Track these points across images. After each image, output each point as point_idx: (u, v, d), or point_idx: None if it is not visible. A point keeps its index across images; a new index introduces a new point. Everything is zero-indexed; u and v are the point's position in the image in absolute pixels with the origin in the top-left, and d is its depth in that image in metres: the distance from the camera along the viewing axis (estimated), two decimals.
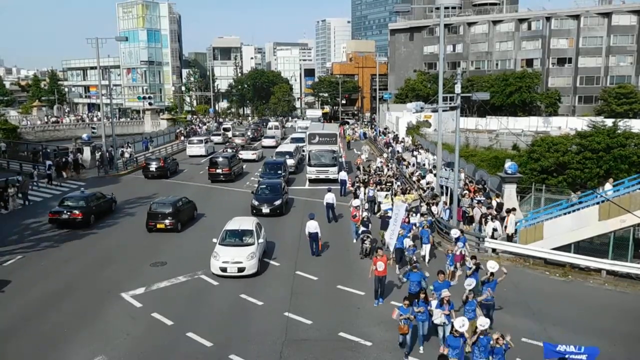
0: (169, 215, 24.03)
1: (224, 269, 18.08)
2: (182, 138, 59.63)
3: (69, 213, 24.77)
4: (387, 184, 28.69)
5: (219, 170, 36.70)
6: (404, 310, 13.07)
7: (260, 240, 19.52)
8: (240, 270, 18.01)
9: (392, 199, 24.73)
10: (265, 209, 26.67)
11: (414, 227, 20.83)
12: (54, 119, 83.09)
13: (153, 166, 38.32)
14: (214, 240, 19.28)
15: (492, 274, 14.53)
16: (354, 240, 22.23)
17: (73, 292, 17.32)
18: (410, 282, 15.18)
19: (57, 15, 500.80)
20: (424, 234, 20.24)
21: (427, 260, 19.91)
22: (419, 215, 22.60)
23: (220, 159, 37.75)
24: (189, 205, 26.32)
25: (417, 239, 20.69)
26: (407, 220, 20.89)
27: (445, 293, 13.37)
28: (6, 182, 30.01)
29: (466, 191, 26.09)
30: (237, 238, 19.42)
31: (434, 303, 13.55)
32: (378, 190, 27.37)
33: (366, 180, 29.52)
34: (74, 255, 21.12)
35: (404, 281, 15.59)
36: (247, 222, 20.46)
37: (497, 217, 22.21)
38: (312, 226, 20.76)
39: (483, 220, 22.39)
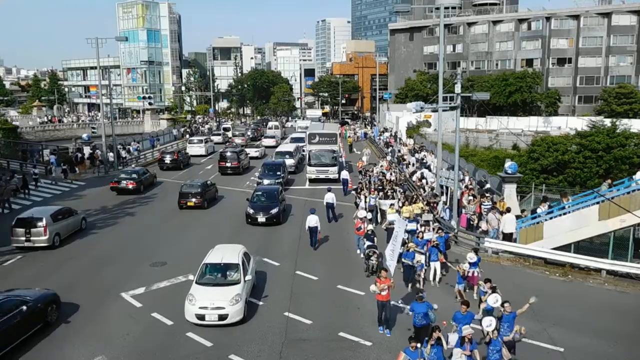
0: (197, 195, 28.65)
1: (200, 317, 14.52)
2: (188, 136, 60.82)
3: (125, 182, 32.80)
4: (391, 191, 26.53)
5: (228, 164, 39.58)
6: (411, 354, 10.95)
7: (248, 277, 16.04)
8: (222, 317, 14.51)
9: (398, 209, 23.01)
10: (261, 218, 24.94)
11: (428, 244, 18.47)
12: (41, 120, 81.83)
13: (168, 158, 42.19)
14: (190, 276, 16.13)
15: (503, 303, 12.66)
16: (361, 255, 20.18)
17: (73, 292, 17.29)
18: (415, 314, 13.11)
19: (57, 15, 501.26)
20: (432, 251, 18.09)
21: (436, 280, 17.97)
22: (432, 229, 20.23)
23: (229, 153, 40.55)
24: (212, 187, 31.06)
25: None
26: (421, 235, 18.89)
27: (467, 330, 11.42)
28: None
29: (471, 197, 24.66)
30: (219, 274, 15.99)
31: (453, 339, 11.69)
32: (380, 198, 25.40)
33: (368, 187, 27.40)
34: (74, 255, 21.14)
35: (409, 314, 13.44)
36: (232, 253, 16.81)
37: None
38: (313, 220, 21.79)
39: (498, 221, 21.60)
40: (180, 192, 29.24)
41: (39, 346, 13.79)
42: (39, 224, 21.46)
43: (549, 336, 14.26)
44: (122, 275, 18.79)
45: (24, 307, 13.83)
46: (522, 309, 12.71)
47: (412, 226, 20.19)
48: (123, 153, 45.69)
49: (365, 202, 24.87)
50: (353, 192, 28.69)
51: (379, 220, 24.68)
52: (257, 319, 15.35)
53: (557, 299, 17.06)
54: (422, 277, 17.52)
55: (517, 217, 22.04)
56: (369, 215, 23.40)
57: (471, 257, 16.72)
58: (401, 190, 27.20)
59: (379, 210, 25.21)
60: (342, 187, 32.87)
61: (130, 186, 32.67)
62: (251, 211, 25.25)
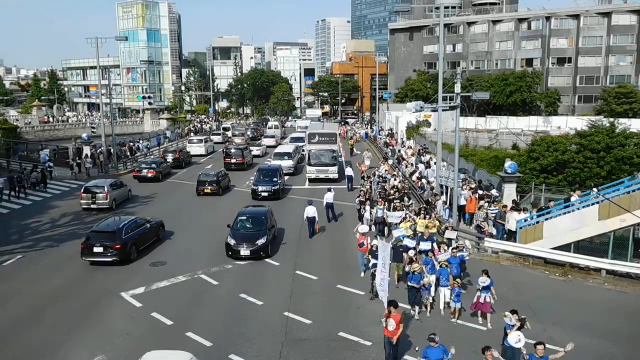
0: (213, 183, 31.84)
1: None
2: (192, 135, 62.13)
3: (146, 171, 36.47)
4: (399, 201, 23.80)
5: (233, 160, 41.08)
6: None
7: None
8: None
9: (411, 225, 20.37)
10: (245, 251, 20.08)
11: (439, 265, 16.23)
12: (28, 120, 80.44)
13: (170, 157, 42.60)
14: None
15: (538, 344, 10.91)
16: (362, 274, 18.45)
17: (73, 292, 17.33)
18: None
19: (57, 15, 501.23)
20: (443, 274, 15.67)
21: (447, 308, 15.53)
22: (449, 249, 17.63)
23: (234, 150, 42.36)
24: (227, 177, 34.19)
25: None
26: (432, 255, 17.06)
27: None
28: None
29: (482, 202, 23.31)
30: None
31: None
32: (388, 210, 22.96)
33: (371, 196, 25.45)
34: (74, 255, 21.06)
35: None
36: None
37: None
38: (311, 211, 23.01)
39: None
40: (198, 180, 32.40)
41: (39, 346, 13.88)
42: (102, 190, 28.11)
43: (549, 336, 14.24)
44: (122, 275, 18.81)
45: (148, 225, 21.96)
46: (556, 355, 11.06)
47: (426, 246, 18.29)
48: (134, 149, 48.14)
49: (371, 213, 22.83)
50: (357, 200, 25.44)
51: (386, 234, 22.52)
52: (257, 318, 15.34)
53: (557, 299, 17.08)
54: (431, 300, 15.57)
55: (543, 208, 22.03)
56: (375, 229, 22.00)
57: (483, 281, 14.70)
58: (411, 202, 24.61)
59: (386, 223, 22.90)
60: (345, 186, 33.08)
61: (150, 175, 36.30)
62: (232, 242, 20.33)
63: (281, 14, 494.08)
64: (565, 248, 20.43)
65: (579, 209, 20.56)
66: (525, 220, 21.20)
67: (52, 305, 16.29)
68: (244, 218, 22.01)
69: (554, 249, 20.20)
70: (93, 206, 28.05)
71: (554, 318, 15.51)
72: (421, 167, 34.67)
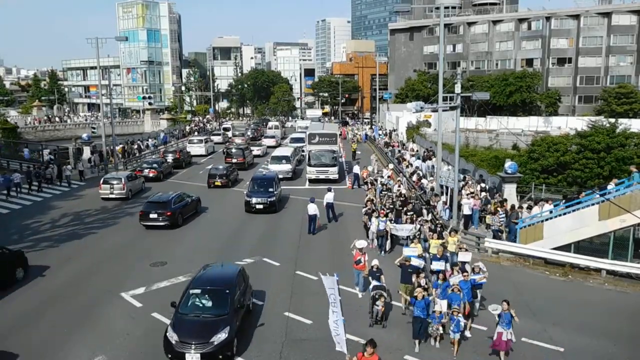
0: (223, 176, 34.48)
1: None
2: (196, 134, 63.03)
3: (147, 171, 37.29)
4: (410, 213, 21.90)
5: (234, 160, 41.66)
6: None
7: None
8: None
9: (423, 242, 18.67)
10: (193, 354, 12.41)
11: (450, 289, 14.10)
12: (29, 120, 79.56)
13: (170, 157, 42.75)
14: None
15: None
16: (359, 295, 16.90)
17: (73, 292, 17.31)
18: None
19: (57, 15, 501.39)
20: (455, 299, 13.67)
21: (455, 338, 13.41)
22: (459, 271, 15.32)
23: (235, 150, 43.28)
24: (234, 172, 36.81)
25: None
26: (443, 277, 15.34)
27: None
28: None
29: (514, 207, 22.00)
30: None
31: None
32: (391, 221, 21.21)
33: (374, 203, 23.74)
34: (74, 255, 21.13)
35: None
36: None
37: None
38: (312, 208, 23.54)
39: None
40: (208, 173, 35.01)
41: (39, 346, 13.86)
42: (120, 181, 30.89)
43: (549, 336, 14.26)
44: (122, 275, 18.79)
45: (189, 200, 26.69)
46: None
47: (438, 265, 16.16)
48: (142, 146, 50.07)
49: (376, 225, 20.97)
50: (363, 210, 23.33)
51: (387, 248, 21.06)
52: (257, 318, 15.33)
53: (557, 299, 17.09)
54: (441, 331, 13.58)
55: (570, 199, 21.99)
56: (375, 243, 20.99)
57: (494, 308, 12.90)
58: (429, 217, 22.27)
59: (389, 237, 21.09)
60: (345, 186, 33.36)
61: (152, 174, 37.00)
62: (174, 338, 12.68)
63: (281, 14, 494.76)
64: (565, 248, 20.43)
65: (603, 201, 20.07)
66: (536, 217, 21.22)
67: (52, 305, 16.27)
68: (197, 292, 13.98)
69: (554, 249, 20.21)
70: (111, 196, 30.56)
71: (554, 318, 15.51)
72: (418, 162, 34.66)
